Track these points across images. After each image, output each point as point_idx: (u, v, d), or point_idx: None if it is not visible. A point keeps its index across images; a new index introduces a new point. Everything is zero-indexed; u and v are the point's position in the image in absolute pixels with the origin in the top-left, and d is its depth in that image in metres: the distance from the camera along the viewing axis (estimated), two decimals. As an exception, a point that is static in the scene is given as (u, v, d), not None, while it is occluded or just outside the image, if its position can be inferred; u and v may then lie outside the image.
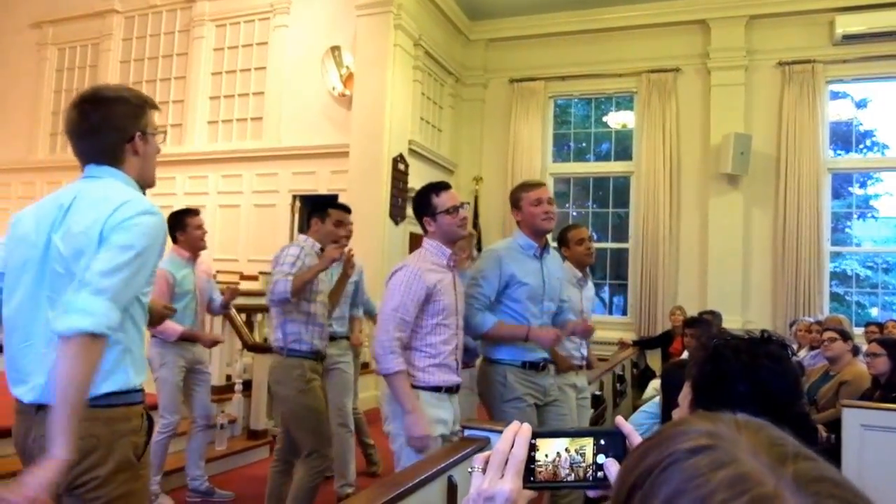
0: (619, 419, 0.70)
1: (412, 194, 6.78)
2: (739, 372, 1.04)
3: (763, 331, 1.14)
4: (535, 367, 2.67)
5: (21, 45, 8.77)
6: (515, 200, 2.73)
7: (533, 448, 0.66)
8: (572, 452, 0.66)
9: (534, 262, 2.69)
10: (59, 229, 1.43)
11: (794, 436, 0.46)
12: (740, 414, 0.48)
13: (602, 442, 0.67)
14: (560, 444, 0.67)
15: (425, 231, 2.42)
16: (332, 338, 3.45)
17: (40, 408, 1.40)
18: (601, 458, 0.66)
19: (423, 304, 2.26)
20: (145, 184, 1.59)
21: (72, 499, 1.42)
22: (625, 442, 0.67)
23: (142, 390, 1.53)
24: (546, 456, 0.66)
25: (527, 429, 0.66)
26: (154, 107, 1.60)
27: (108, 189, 1.47)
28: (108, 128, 1.50)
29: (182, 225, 3.44)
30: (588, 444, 0.67)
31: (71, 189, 1.51)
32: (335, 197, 6.46)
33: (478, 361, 2.90)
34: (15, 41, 8.82)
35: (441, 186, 2.43)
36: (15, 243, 1.51)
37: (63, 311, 1.33)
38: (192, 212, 3.59)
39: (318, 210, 3.17)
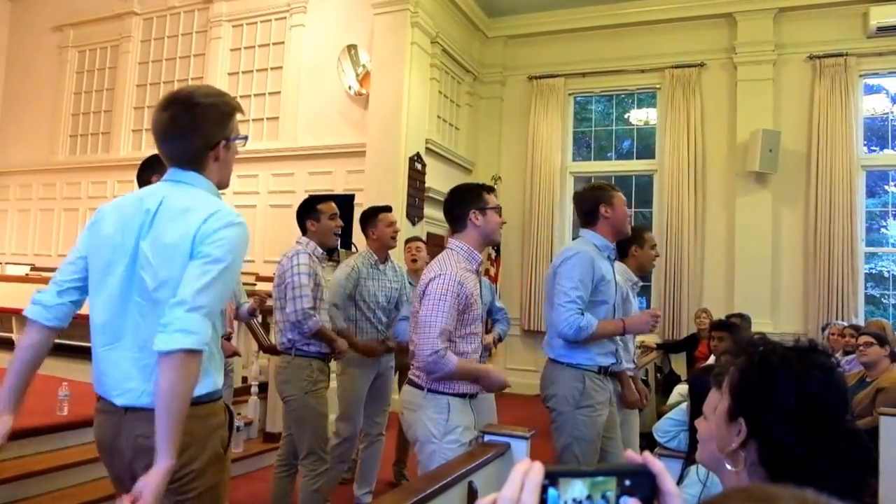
0: (648, 455, 0.60)
1: (430, 194, 6.79)
2: (788, 383, 0.96)
3: (810, 339, 1.05)
4: (606, 372, 2.63)
5: (43, 48, 8.90)
6: (608, 198, 2.66)
7: (545, 490, 0.56)
8: (595, 498, 0.56)
9: (607, 264, 2.63)
10: (147, 235, 1.46)
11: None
12: (808, 492, 0.40)
13: (627, 483, 0.57)
14: (578, 485, 0.56)
15: (461, 228, 2.29)
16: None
17: (129, 409, 1.47)
18: (625, 501, 0.56)
19: (460, 314, 2.20)
20: (221, 186, 1.62)
21: (166, 494, 1.48)
22: (654, 483, 0.58)
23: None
24: (563, 501, 0.56)
25: (537, 470, 0.56)
26: (240, 110, 1.63)
27: (192, 198, 1.50)
28: (195, 134, 1.52)
29: None
30: (611, 485, 0.56)
31: (156, 192, 1.52)
32: (351, 197, 6.40)
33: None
34: (37, 44, 8.96)
35: (489, 188, 2.37)
36: (98, 242, 1.53)
37: (163, 329, 1.37)
38: None
39: (307, 211, 3.05)
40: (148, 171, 2.21)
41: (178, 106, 1.53)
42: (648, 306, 7.22)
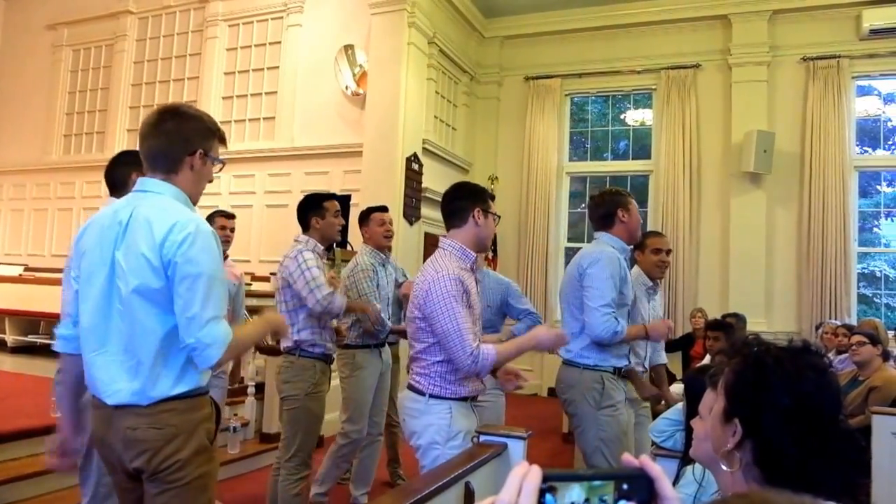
0: (646, 459, 0.61)
1: (426, 194, 6.79)
2: (783, 383, 0.97)
3: (803, 340, 1.06)
4: (619, 373, 2.66)
5: (37, 47, 8.84)
6: (626, 203, 2.72)
7: (542, 494, 0.56)
8: (593, 502, 0.56)
9: (626, 266, 2.70)
10: (120, 246, 1.59)
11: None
12: (806, 497, 0.39)
13: (625, 486, 0.57)
14: (576, 489, 0.57)
15: (460, 223, 2.24)
16: (390, 343, 3.59)
17: (119, 406, 1.59)
18: None
19: None
20: (193, 200, 1.73)
21: (154, 483, 1.59)
22: (652, 486, 0.58)
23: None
24: None
25: (535, 473, 0.56)
26: (223, 141, 1.77)
27: (157, 207, 1.61)
28: (177, 135, 1.66)
29: (210, 223, 3.41)
30: (609, 489, 0.57)
31: (127, 205, 1.65)
32: (348, 198, 6.40)
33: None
34: (31, 43, 8.90)
35: (491, 196, 2.38)
36: (81, 255, 1.67)
37: (192, 352, 1.58)
38: (224, 213, 3.73)
39: (312, 207, 3.06)
40: (117, 168, 2.25)
41: (166, 113, 1.69)
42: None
